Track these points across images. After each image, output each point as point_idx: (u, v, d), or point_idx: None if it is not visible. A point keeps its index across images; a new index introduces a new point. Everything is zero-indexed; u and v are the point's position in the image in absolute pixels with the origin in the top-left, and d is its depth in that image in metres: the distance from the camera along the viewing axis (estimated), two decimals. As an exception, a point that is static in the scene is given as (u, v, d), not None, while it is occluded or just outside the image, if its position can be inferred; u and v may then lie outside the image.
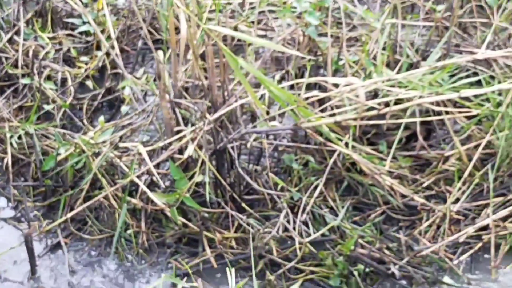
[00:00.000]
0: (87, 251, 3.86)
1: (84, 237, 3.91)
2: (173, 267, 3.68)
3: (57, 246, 3.89)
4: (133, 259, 3.79)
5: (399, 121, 3.89)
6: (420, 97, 3.74)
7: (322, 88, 4.05)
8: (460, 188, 3.94)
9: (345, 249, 3.60)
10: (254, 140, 3.90)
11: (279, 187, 3.88)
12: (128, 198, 3.87)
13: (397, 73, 4.05)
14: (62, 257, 3.83)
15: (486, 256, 3.76)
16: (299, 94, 3.81)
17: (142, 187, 3.81)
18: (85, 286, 3.69)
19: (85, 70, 4.69)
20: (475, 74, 4.17)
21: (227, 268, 3.44)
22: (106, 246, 3.87)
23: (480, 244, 3.76)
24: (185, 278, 3.14)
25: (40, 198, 4.14)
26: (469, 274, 3.68)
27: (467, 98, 3.84)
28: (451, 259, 3.71)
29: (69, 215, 3.91)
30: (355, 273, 3.59)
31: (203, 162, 3.76)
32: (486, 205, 3.88)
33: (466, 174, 3.93)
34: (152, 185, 3.95)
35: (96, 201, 3.91)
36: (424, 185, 3.99)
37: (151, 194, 3.79)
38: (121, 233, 3.82)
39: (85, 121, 4.49)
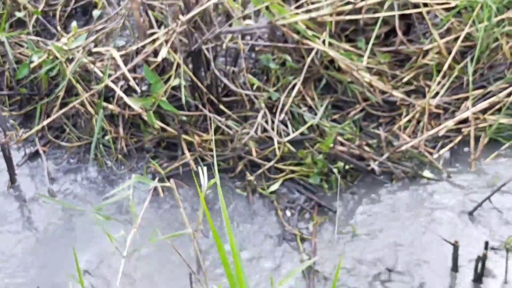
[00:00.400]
0: (66, 158, 3.84)
1: (62, 144, 3.88)
2: (152, 171, 3.67)
3: (36, 154, 3.87)
4: (112, 165, 3.78)
5: (376, 15, 3.82)
6: (397, -10, 3.66)
7: (298, -15, 3.96)
8: (439, 82, 3.91)
9: (324, 147, 3.58)
10: (230, 40, 3.83)
11: (256, 88, 3.84)
12: (105, 103, 3.82)
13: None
14: (41, 165, 3.81)
15: (465, 149, 3.76)
16: (273, -8, 3.72)
17: (118, 92, 3.76)
18: (66, 193, 3.68)
19: (56, -25, 4.58)
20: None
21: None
22: (85, 153, 3.84)
23: (459, 138, 3.75)
24: (156, 179, 3.13)
25: (16, 107, 4.09)
26: (449, 168, 3.68)
27: (445, -10, 3.76)
28: (431, 153, 3.71)
29: (46, 122, 3.87)
30: (335, 170, 3.58)
31: (178, 65, 3.70)
32: (466, 98, 3.85)
33: (445, 67, 3.89)
34: (129, 90, 3.89)
35: (72, 108, 3.86)
36: (404, 80, 3.95)
37: (127, 99, 3.74)
38: (99, 140, 3.79)
39: (58, 28, 4.40)
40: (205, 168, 2.46)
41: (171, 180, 2.51)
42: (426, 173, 3.64)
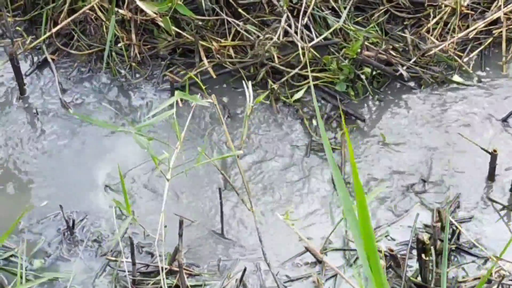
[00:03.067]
0: (77, 67, 3.65)
1: (72, 52, 3.68)
2: (169, 79, 3.50)
3: (44, 63, 3.67)
4: (126, 73, 3.60)
5: None
6: None
7: None
8: (468, -19, 3.71)
9: (351, 53, 3.41)
10: None
11: (276, -11, 3.63)
12: (116, 8, 3.61)
13: None
14: (50, 75, 3.62)
15: (496, 52, 3.60)
16: None
17: (130, -4, 3.55)
18: (78, 103, 3.51)
19: None
20: None
21: (231, 79, 3.28)
22: (96, 61, 3.65)
23: (490, 40, 3.59)
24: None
25: (20, 12, 3.86)
26: (479, 71, 3.54)
27: None
28: (460, 57, 3.55)
29: (54, 30, 3.66)
30: (362, 76, 3.43)
31: (194, -34, 3.48)
32: (496, -3, 3.67)
33: (475, -36, 3.69)
34: (139, -6, 3.68)
35: (81, 14, 3.65)
36: (430, -21, 3.75)
37: (140, 3, 3.53)
38: (111, 47, 3.60)
39: None
40: (250, 84, 2.28)
41: (212, 96, 2.35)
42: (456, 77, 3.50)
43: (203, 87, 3.29)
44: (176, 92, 2.18)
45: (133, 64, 3.60)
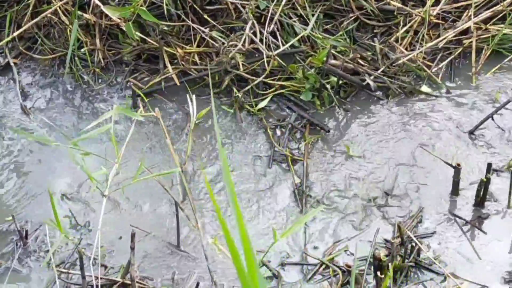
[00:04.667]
0: (39, 72, 3.58)
1: (35, 57, 3.61)
2: (132, 86, 3.43)
3: (7, 68, 3.60)
4: (89, 79, 3.53)
5: None
6: None
7: None
8: (439, -11, 3.65)
9: (317, 61, 3.35)
10: None
11: (243, -4, 3.56)
12: (80, 12, 3.54)
13: None
14: (12, 80, 3.55)
15: (466, 62, 3.54)
16: None
17: None
18: (40, 109, 3.44)
19: None
20: None
21: (196, 87, 3.22)
22: (59, 66, 3.58)
23: (460, 49, 3.53)
24: (144, 100, 2.89)
25: (-17, 15, 3.79)
26: (448, 82, 3.47)
27: None
28: (429, 67, 3.48)
29: (16, 33, 3.59)
30: (328, 86, 3.36)
31: (158, -29, 3.41)
32: (468, 7, 3.60)
33: (446, -27, 3.62)
34: (105, -3, 3.62)
35: (44, 17, 3.58)
36: (401, -13, 3.70)
37: (104, 8, 3.46)
38: (74, 52, 3.52)
39: None
40: (194, 97, 2.20)
41: (156, 110, 2.28)
42: (424, 88, 3.43)
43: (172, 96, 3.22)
44: (115, 106, 2.11)
45: (97, 69, 3.53)
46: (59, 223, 2.12)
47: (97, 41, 3.56)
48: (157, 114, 2.25)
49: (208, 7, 3.58)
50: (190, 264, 2.86)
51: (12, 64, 3.59)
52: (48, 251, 2.88)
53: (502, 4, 3.55)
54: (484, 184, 2.93)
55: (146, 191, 3.03)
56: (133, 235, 2.65)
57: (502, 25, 3.52)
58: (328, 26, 3.62)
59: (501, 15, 3.56)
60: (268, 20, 3.47)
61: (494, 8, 3.55)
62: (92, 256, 2.83)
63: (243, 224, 1.05)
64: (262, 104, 3.37)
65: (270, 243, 2.89)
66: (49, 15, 3.55)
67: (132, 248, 2.67)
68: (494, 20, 3.56)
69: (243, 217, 2.95)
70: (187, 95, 2.01)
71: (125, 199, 3.02)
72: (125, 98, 3.44)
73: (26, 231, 2.91)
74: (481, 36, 3.53)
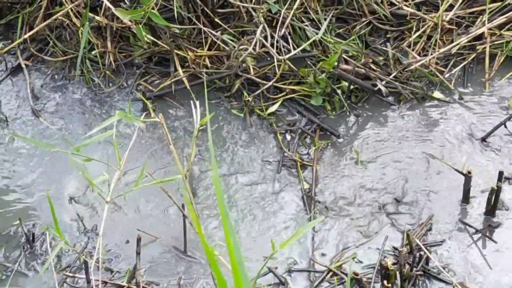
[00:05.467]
0: (51, 74, 3.58)
1: (46, 59, 3.61)
2: (142, 89, 3.42)
3: (18, 69, 3.59)
4: (99, 82, 3.52)
5: None
6: None
7: None
8: (453, -6, 3.61)
9: (328, 66, 3.32)
10: None
11: (255, 0, 3.54)
12: (91, 15, 3.54)
13: None
14: (24, 81, 3.54)
15: (479, 68, 3.50)
16: None
17: (105, 1, 3.46)
18: (50, 112, 3.43)
19: None
20: None
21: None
22: (70, 68, 3.58)
23: (473, 55, 3.49)
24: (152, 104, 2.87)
25: (-4, 16, 3.79)
26: (461, 88, 3.44)
27: None
28: (442, 73, 3.45)
29: (28, 35, 3.59)
30: (339, 91, 3.33)
31: (170, -26, 3.40)
32: (482, 12, 3.57)
33: (460, -22, 3.59)
34: (117, 0, 3.60)
35: (56, 20, 3.57)
36: (414, -9, 3.67)
37: (115, 10, 3.45)
38: (85, 54, 3.52)
39: None
40: (198, 103, 2.18)
41: (160, 115, 2.26)
42: (436, 94, 3.40)
43: (173, 102, 3.20)
44: (117, 112, 2.09)
45: (107, 72, 3.53)
46: (59, 229, 2.11)
47: (108, 43, 3.55)
48: (160, 120, 2.23)
49: (219, 10, 3.57)
50: (196, 269, 2.84)
51: (23, 65, 3.59)
52: (55, 254, 2.87)
53: (516, 9, 3.51)
54: (495, 192, 2.90)
55: (155, 194, 3.01)
56: (138, 240, 2.64)
57: (517, 31, 3.49)
58: (340, 30, 3.59)
59: (516, 20, 3.52)
60: (279, 23, 3.44)
61: (509, 14, 3.51)
62: (96, 261, 2.82)
63: (232, 243, 1.03)
64: (272, 109, 3.35)
65: (278, 248, 2.88)
66: (60, 17, 3.55)
67: (138, 253, 2.66)
68: (509, 26, 3.52)
69: (251, 221, 2.94)
70: (191, 101, 1.99)
71: (133, 203, 3.00)
72: (135, 101, 3.43)
73: (33, 235, 2.90)
74: (495, 42, 3.49)
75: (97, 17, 3.55)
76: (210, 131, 2.42)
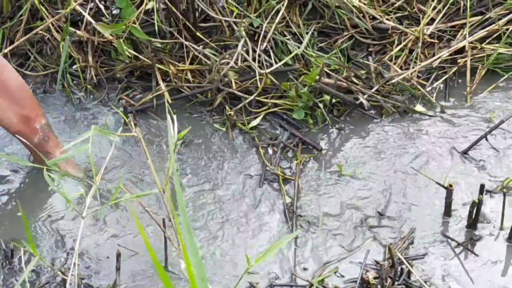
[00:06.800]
0: (32, 89, 3.55)
1: (27, 73, 3.59)
2: (123, 104, 3.41)
3: (-2, 84, 3.57)
4: (81, 96, 3.50)
5: None
6: None
7: None
8: (434, 7, 3.62)
9: (309, 80, 3.32)
10: (208, -40, 3.52)
11: (237, 13, 3.53)
12: (72, 29, 3.53)
13: None
14: (4, 96, 3.52)
15: (461, 81, 3.51)
16: None
17: (86, 16, 3.45)
18: (32, 126, 3.41)
19: None
20: None
21: (188, 104, 3.20)
22: (51, 83, 3.56)
23: (455, 69, 3.49)
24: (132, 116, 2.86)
25: (-23, 31, 3.76)
26: (443, 102, 3.44)
27: None
28: (423, 86, 3.45)
29: (8, 49, 3.57)
30: (321, 105, 3.33)
31: (151, -12, 3.39)
32: (463, 26, 3.58)
33: (441, -9, 3.60)
34: (98, 14, 3.60)
35: (37, 34, 3.56)
36: (396, 5, 3.68)
37: (96, 25, 3.44)
38: (66, 68, 3.50)
39: None
40: (175, 116, 2.17)
41: (137, 129, 2.25)
42: (418, 107, 3.40)
43: (166, 115, 3.18)
44: (93, 127, 2.08)
45: (89, 86, 3.51)
46: (33, 245, 2.08)
47: (90, 58, 3.54)
48: (138, 134, 2.21)
49: (201, 25, 3.57)
50: (178, 284, 2.82)
51: (4, 80, 3.56)
52: (33, 271, 2.84)
53: (497, 23, 3.52)
54: (476, 206, 2.89)
55: (138, 208, 2.99)
56: (118, 255, 2.61)
57: (497, 45, 3.49)
58: (322, 44, 3.60)
59: (496, 34, 3.53)
60: (261, 37, 3.44)
61: (489, 27, 3.53)
62: (72, 277, 2.79)
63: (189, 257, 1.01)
64: (254, 123, 3.34)
65: (253, 263, 2.86)
66: (41, 31, 3.53)
67: (118, 268, 2.64)
68: (489, 39, 3.53)
69: (232, 236, 2.92)
70: (168, 115, 1.97)
71: (113, 219, 2.98)
72: (117, 115, 3.42)
73: (12, 251, 2.87)
74: (476, 56, 3.50)
75: (78, 32, 3.54)
76: (179, 144, 2.42)
